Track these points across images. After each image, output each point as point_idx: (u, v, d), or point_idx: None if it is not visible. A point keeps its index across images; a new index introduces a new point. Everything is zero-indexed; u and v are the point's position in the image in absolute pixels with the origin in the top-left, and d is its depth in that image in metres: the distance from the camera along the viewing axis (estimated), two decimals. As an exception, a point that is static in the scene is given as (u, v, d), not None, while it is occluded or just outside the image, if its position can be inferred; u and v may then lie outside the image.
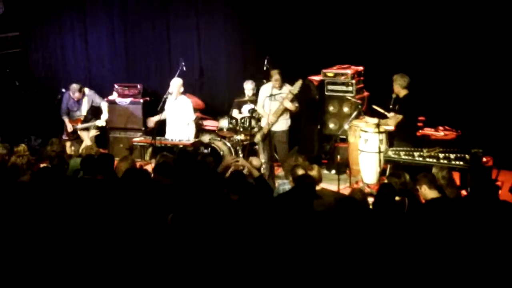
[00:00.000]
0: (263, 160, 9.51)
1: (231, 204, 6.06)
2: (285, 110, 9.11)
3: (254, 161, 7.88)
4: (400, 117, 8.54)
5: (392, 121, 8.61)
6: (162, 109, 9.67)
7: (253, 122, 9.85)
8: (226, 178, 6.62)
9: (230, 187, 6.24)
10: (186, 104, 9.67)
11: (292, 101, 9.04)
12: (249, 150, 9.86)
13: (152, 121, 10.00)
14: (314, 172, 6.83)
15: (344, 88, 9.98)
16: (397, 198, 6.21)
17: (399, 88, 8.63)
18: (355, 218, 5.19)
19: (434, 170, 7.02)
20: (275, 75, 9.08)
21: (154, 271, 4.77)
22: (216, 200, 6.20)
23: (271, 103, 9.18)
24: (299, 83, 9.05)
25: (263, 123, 9.37)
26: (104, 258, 5.04)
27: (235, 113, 10.44)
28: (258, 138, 9.52)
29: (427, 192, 6.28)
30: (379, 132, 8.62)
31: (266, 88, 9.31)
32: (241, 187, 6.22)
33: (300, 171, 6.72)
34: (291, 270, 4.68)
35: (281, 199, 6.38)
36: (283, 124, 9.25)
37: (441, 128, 9.50)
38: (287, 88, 9.10)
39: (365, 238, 4.98)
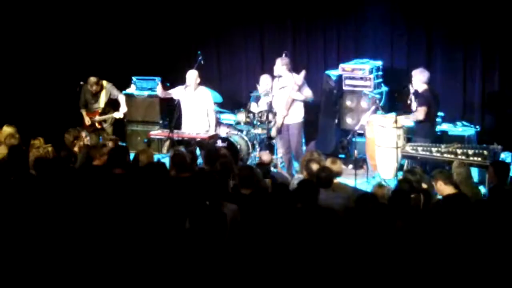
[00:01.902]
0: (280, 154, 9.53)
1: (243, 198, 6.09)
2: (294, 101, 9.08)
3: (264, 156, 7.89)
4: (425, 108, 8.45)
5: (420, 114, 8.51)
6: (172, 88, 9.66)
7: (270, 116, 9.83)
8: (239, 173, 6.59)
9: (242, 182, 6.30)
10: (205, 94, 9.60)
11: (299, 90, 9.05)
12: (266, 144, 9.84)
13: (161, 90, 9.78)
14: (335, 166, 6.88)
15: (362, 82, 9.95)
16: (412, 195, 6.21)
17: (419, 83, 8.58)
18: (375, 215, 5.16)
19: (454, 165, 7.01)
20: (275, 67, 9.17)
21: (170, 266, 4.79)
22: (229, 194, 6.27)
23: (281, 96, 9.20)
24: (302, 74, 9.06)
25: (277, 118, 9.37)
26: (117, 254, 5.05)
27: (252, 106, 10.42)
28: (273, 132, 9.54)
29: (443, 188, 6.28)
30: (397, 127, 8.57)
31: (275, 83, 9.36)
32: (253, 182, 6.28)
33: (315, 166, 6.72)
34: (303, 264, 4.68)
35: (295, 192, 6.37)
36: (295, 116, 9.23)
37: (459, 123, 9.46)
38: (293, 79, 9.09)
39: (383, 234, 4.97)
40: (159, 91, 9.75)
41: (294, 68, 9.33)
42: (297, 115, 9.26)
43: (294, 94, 9.06)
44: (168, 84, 10.20)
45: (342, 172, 7.12)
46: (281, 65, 9.14)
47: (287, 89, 9.14)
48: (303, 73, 9.11)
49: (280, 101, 9.27)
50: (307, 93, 9.19)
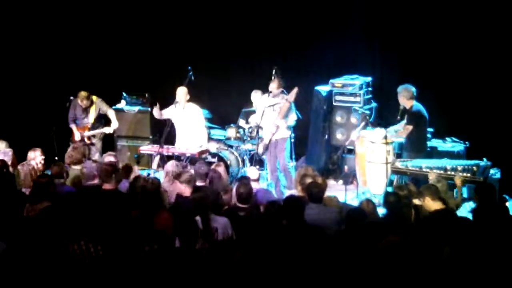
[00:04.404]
0: (269, 170, 9.51)
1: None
2: (282, 117, 9.08)
3: (251, 172, 7.88)
4: (410, 128, 8.51)
5: (403, 133, 8.56)
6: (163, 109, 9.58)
7: (260, 132, 9.84)
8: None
9: (240, 198, 6.41)
10: (195, 110, 9.57)
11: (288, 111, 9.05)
12: (257, 159, 9.84)
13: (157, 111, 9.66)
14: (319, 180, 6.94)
15: (352, 98, 10.00)
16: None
17: (404, 100, 8.60)
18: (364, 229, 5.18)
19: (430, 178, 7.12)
20: (271, 83, 9.15)
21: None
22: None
23: (270, 114, 9.17)
24: (294, 91, 9.02)
25: (264, 134, 9.34)
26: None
27: (242, 122, 10.43)
28: (260, 149, 9.49)
29: (430, 204, 6.31)
30: (387, 143, 8.60)
31: (264, 99, 9.33)
32: (250, 199, 6.43)
33: (309, 181, 6.75)
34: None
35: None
36: (282, 132, 9.21)
37: (449, 139, 9.49)
38: (284, 97, 9.08)
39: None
40: (156, 112, 9.61)
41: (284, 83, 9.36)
42: (284, 131, 9.23)
43: (278, 122, 9.06)
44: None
45: (326, 186, 7.13)
46: (274, 84, 9.13)
47: (276, 107, 9.11)
48: (295, 90, 9.04)
49: (268, 118, 9.23)
50: (292, 118, 9.18)
